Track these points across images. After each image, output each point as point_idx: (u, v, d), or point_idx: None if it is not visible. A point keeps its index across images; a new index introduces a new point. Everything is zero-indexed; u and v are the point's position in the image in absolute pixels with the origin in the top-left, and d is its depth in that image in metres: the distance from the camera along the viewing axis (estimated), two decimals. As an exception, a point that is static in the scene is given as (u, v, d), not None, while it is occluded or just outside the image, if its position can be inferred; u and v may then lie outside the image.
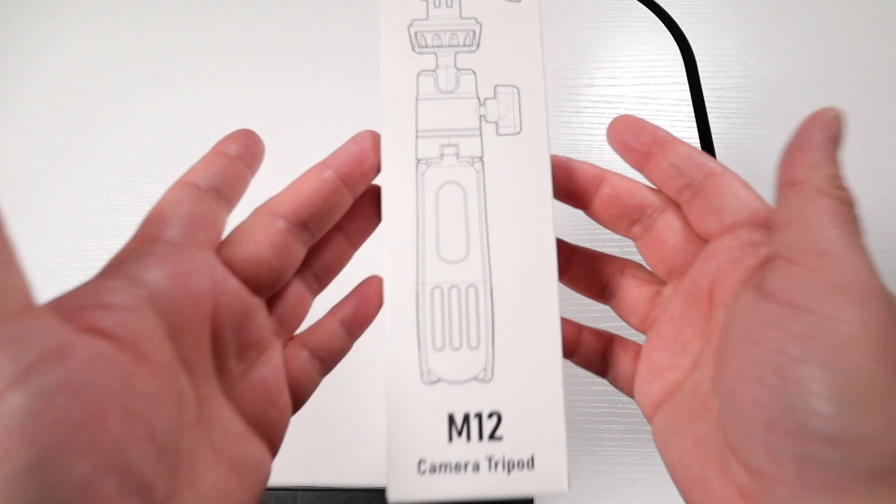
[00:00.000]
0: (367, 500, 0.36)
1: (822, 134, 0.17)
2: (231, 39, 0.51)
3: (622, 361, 0.24)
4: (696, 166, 0.21)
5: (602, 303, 0.26)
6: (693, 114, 0.47)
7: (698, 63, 0.49)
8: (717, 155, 0.46)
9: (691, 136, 0.46)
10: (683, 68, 0.49)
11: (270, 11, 0.53)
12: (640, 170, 0.23)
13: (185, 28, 0.52)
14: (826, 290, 0.16)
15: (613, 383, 0.25)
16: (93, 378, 0.14)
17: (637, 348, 0.24)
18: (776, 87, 0.48)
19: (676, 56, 0.50)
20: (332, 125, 0.47)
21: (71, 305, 0.16)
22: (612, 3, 0.52)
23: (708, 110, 0.47)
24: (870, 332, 0.15)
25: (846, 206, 0.17)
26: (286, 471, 0.31)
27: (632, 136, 0.23)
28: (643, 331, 0.24)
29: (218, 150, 0.21)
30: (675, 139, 0.22)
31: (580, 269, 0.25)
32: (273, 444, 0.22)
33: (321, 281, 0.24)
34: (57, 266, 0.43)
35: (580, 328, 0.25)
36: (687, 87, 0.48)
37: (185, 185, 0.20)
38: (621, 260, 0.25)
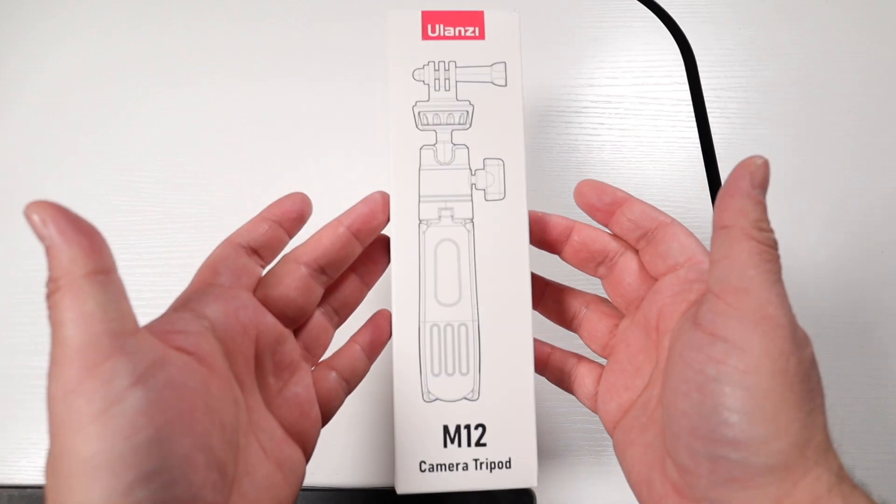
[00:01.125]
0: (367, 500, 0.36)
1: (748, 181, 0.20)
2: (231, 39, 0.51)
3: (586, 381, 0.28)
4: (649, 219, 0.26)
5: (570, 331, 0.30)
6: (693, 114, 0.47)
7: (698, 63, 0.49)
8: (717, 155, 0.46)
9: (691, 135, 0.46)
10: (683, 68, 0.49)
11: (271, 12, 0.53)
12: (606, 225, 0.28)
13: (186, 28, 0.52)
14: (739, 322, 0.19)
15: (579, 399, 0.29)
16: (185, 381, 0.19)
17: (599, 370, 0.28)
18: (776, 87, 0.48)
19: (676, 56, 0.50)
20: (332, 126, 0.47)
21: (159, 330, 0.20)
22: (612, 3, 0.52)
23: (708, 110, 0.47)
24: (770, 358, 0.18)
25: (768, 247, 0.19)
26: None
27: (596, 199, 0.27)
28: (605, 356, 0.28)
29: (263, 217, 0.26)
30: (631, 198, 0.27)
31: (552, 301, 0.30)
32: (307, 450, 0.25)
33: (341, 315, 0.29)
34: (57, 266, 0.43)
35: (552, 349, 0.30)
36: (687, 87, 0.48)
37: (231, 244, 0.25)
38: (587, 295, 0.30)
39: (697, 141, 0.46)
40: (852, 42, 0.49)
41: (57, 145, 0.48)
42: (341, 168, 0.45)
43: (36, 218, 0.18)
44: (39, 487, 0.38)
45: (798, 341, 0.19)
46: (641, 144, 0.46)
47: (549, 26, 0.51)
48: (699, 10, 0.51)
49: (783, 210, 0.43)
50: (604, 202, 0.27)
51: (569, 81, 0.49)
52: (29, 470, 0.38)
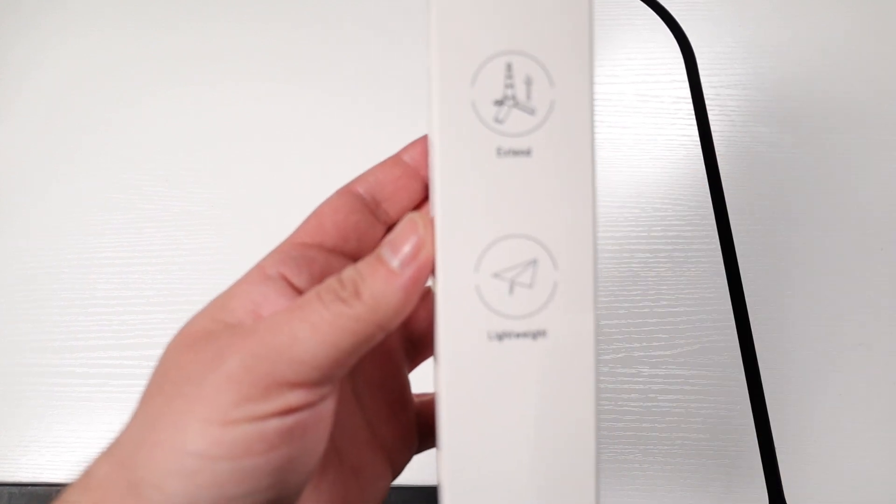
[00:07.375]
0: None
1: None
2: (233, 40, 0.51)
3: None
4: None
5: None
6: (693, 112, 0.47)
7: (698, 61, 0.49)
8: (716, 153, 0.46)
9: (691, 133, 0.46)
10: (683, 66, 0.49)
11: (272, 13, 0.52)
12: None
13: (187, 28, 0.52)
14: None
15: None
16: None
17: None
18: (776, 84, 0.48)
19: (676, 54, 0.50)
20: (331, 126, 0.47)
21: None
22: (612, 1, 0.52)
23: (708, 108, 0.47)
24: None
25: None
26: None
27: None
28: None
29: (397, 159, 0.21)
30: None
31: None
32: (394, 464, 0.21)
33: None
34: (57, 264, 0.43)
35: None
36: (687, 84, 0.48)
37: (349, 193, 0.21)
38: None
39: (697, 138, 0.46)
40: (852, 40, 0.49)
41: (58, 144, 0.48)
42: (342, 168, 0.45)
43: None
44: (39, 485, 0.38)
45: None
46: (641, 142, 0.46)
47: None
48: (699, 7, 0.51)
49: (783, 208, 0.43)
50: None
51: (569, 79, 0.49)
52: (29, 467, 0.38)
